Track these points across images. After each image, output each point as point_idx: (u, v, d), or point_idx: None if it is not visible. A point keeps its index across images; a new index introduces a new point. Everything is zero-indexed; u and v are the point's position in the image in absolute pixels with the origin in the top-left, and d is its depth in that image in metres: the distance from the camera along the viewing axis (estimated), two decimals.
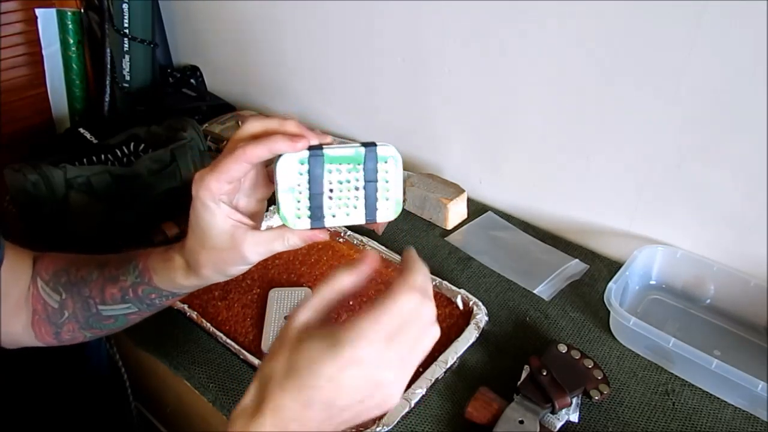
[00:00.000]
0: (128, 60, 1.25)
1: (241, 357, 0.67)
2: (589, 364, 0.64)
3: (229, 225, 0.47)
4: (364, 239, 0.85)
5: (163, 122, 1.02)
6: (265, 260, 0.83)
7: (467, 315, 0.73)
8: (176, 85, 1.37)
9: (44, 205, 0.87)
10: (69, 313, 0.56)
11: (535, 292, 0.80)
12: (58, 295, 0.56)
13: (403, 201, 0.51)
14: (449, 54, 0.93)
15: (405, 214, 0.96)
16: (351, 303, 0.75)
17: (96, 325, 0.57)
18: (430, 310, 0.39)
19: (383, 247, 0.84)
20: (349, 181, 0.46)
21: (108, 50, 1.23)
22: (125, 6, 1.20)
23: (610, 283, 0.72)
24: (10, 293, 0.55)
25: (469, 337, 0.69)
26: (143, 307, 0.56)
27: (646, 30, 0.71)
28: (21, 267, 0.57)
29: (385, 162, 0.47)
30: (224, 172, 0.44)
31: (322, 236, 0.48)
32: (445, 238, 0.91)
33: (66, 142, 1.07)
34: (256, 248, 0.48)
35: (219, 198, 0.45)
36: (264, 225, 0.58)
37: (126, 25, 1.22)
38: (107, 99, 1.27)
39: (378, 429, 0.58)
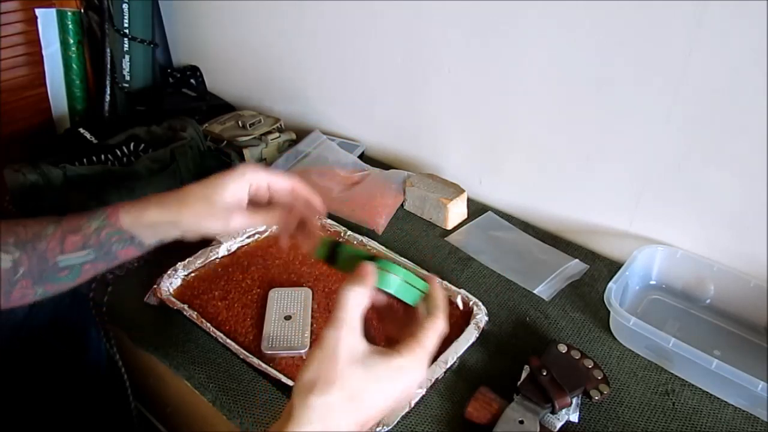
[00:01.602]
0: (128, 60, 1.26)
1: (241, 357, 0.67)
2: (589, 364, 0.64)
3: (237, 206, 0.58)
4: (364, 239, 0.85)
5: (163, 122, 1.02)
6: (265, 260, 0.84)
7: (467, 315, 0.73)
8: (176, 85, 1.37)
9: (44, 205, 0.87)
10: (24, 270, 0.57)
11: (535, 292, 0.80)
12: (9, 255, 0.57)
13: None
14: (449, 54, 0.93)
15: (405, 214, 0.96)
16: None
17: (50, 278, 0.58)
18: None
19: (383, 247, 0.84)
20: None
21: (108, 50, 1.23)
22: (125, 6, 1.20)
23: (610, 283, 0.72)
24: None
25: (469, 337, 0.69)
26: (101, 254, 0.58)
27: (646, 30, 0.71)
28: None
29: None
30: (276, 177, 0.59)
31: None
32: (445, 238, 0.91)
33: (66, 142, 1.07)
34: (242, 224, 0.59)
35: (251, 188, 0.58)
36: None
37: (126, 25, 1.22)
38: (107, 99, 1.27)
39: (378, 429, 0.58)
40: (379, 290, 0.47)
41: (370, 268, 0.45)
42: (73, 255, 0.58)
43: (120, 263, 0.61)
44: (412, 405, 0.61)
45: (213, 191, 0.57)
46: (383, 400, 0.42)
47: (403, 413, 0.60)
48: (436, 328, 0.46)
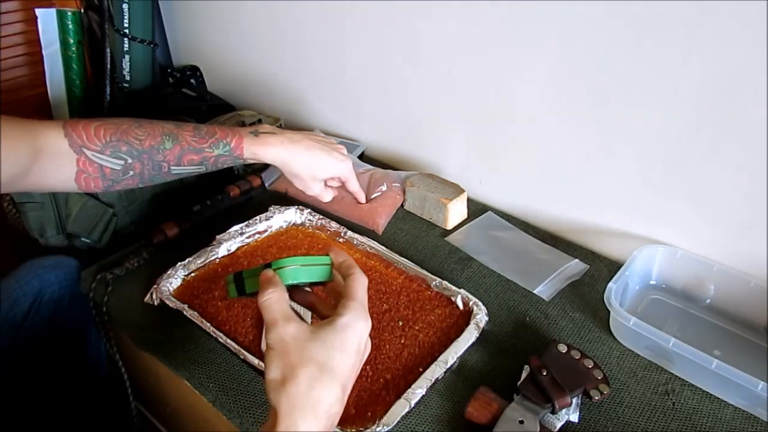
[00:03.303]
0: (128, 60, 1.25)
1: (241, 357, 0.67)
2: (589, 364, 0.64)
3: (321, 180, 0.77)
4: (364, 239, 0.85)
5: None
6: (265, 260, 0.84)
7: (467, 315, 0.73)
8: (176, 85, 1.37)
9: (44, 205, 0.87)
10: (135, 172, 0.66)
11: (535, 292, 0.80)
12: (121, 161, 0.64)
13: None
14: (449, 54, 0.93)
15: (405, 214, 0.97)
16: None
17: (158, 180, 0.69)
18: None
19: (383, 247, 0.84)
20: None
21: (108, 50, 1.23)
22: (125, 6, 1.20)
23: (610, 283, 0.72)
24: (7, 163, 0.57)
25: (469, 337, 0.69)
26: (210, 167, 0.71)
27: (646, 30, 0.71)
28: (21, 136, 0.58)
29: None
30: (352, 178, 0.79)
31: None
32: (445, 238, 0.91)
33: None
34: (317, 193, 0.77)
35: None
36: None
37: (126, 25, 1.22)
38: (107, 99, 1.27)
39: (378, 429, 0.58)
40: (292, 289, 0.52)
41: (267, 273, 0.50)
42: (188, 168, 0.69)
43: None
44: (413, 405, 0.61)
45: (316, 168, 0.74)
46: (348, 357, 0.46)
47: (404, 413, 0.60)
48: (357, 279, 0.50)
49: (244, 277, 0.54)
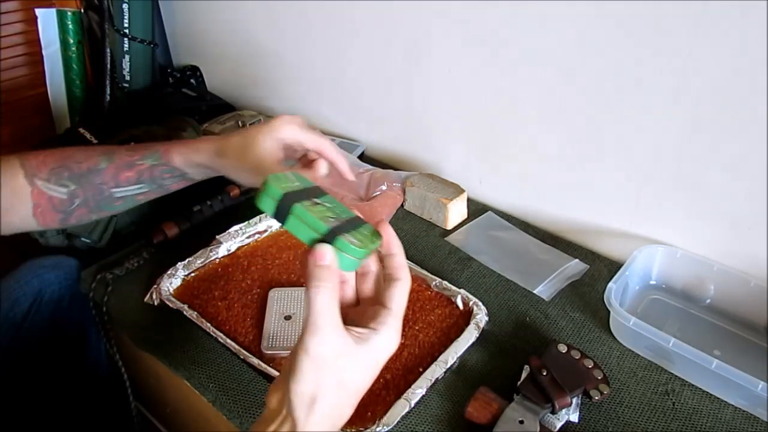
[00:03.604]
0: (128, 60, 1.26)
1: (241, 357, 0.67)
2: (589, 364, 0.64)
3: (270, 161, 0.60)
4: None
5: (163, 122, 1.02)
6: (265, 260, 0.84)
7: (467, 315, 0.73)
8: (176, 85, 1.37)
9: None
10: (79, 200, 0.64)
11: (535, 292, 0.80)
12: (65, 188, 0.63)
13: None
14: (450, 54, 0.93)
15: (405, 213, 0.97)
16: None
17: (106, 207, 0.66)
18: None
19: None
20: None
21: (108, 50, 1.23)
22: (125, 6, 1.20)
23: (610, 283, 0.72)
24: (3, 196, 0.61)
25: (469, 337, 0.69)
26: (154, 187, 0.66)
27: (646, 30, 0.71)
28: (6, 172, 0.62)
29: None
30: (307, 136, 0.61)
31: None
32: (445, 238, 0.91)
33: (66, 142, 1.07)
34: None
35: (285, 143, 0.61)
36: None
37: (126, 25, 1.22)
38: (107, 99, 1.27)
39: (378, 429, 0.58)
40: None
41: (326, 252, 0.40)
42: (128, 188, 0.65)
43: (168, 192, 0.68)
44: (413, 405, 0.61)
45: (247, 145, 0.60)
46: (374, 375, 0.44)
47: (404, 413, 0.60)
48: (403, 288, 0.44)
49: (293, 212, 0.41)
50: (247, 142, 0.60)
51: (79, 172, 0.63)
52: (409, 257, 0.81)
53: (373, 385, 0.64)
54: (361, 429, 0.58)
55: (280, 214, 0.42)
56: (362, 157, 1.13)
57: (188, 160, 0.64)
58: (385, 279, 0.45)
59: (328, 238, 0.41)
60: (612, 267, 0.83)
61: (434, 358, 0.66)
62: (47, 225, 0.65)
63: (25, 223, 0.64)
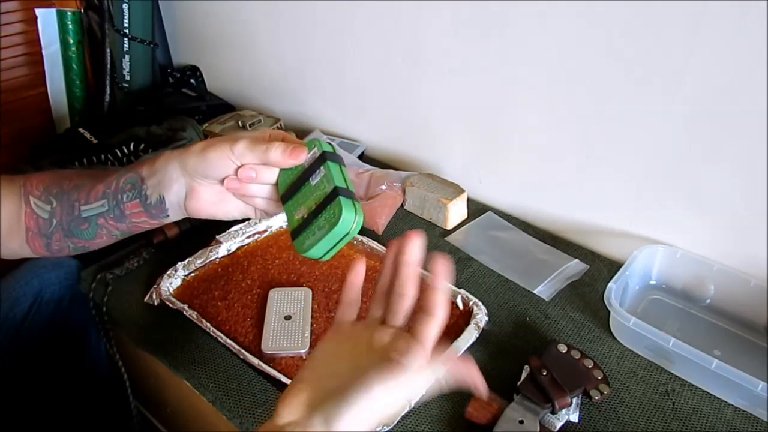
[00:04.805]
0: (128, 60, 1.26)
1: (241, 357, 0.67)
2: (589, 364, 0.64)
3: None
4: (364, 239, 0.85)
5: (163, 122, 1.03)
6: (265, 260, 0.84)
7: (467, 315, 0.73)
8: (176, 85, 1.37)
9: None
10: (57, 221, 0.59)
11: (535, 292, 0.80)
12: (48, 205, 0.59)
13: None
14: (449, 54, 0.93)
15: (405, 213, 0.97)
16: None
17: (75, 231, 0.59)
18: None
19: (383, 248, 0.84)
20: None
21: (108, 50, 1.23)
22: (125, 6, 1.20)
23: (610, 283, 0.72)
24: (3, 216, 0.59)
25: (469, 337, 0.69)
26: (112, 205, 0.57)
27: (646, 30, 0.71)
28: (9, 192, 0.59)
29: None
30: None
31: None
32: (445, 238, 0.91)
33: (66, 142, 1.07)
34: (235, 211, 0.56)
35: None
36: None
37: (126, 25, 1.22)
38: (107, 99, 1.27)
39: (378, 429, 0.58)
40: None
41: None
42: (94, 205, 0.58)
43: (129, 227, 0.59)
44: (413, 405, 0.61)
45: (209, 146, 0.52)
46: (393, 407, 0.45)
47: (403, 413, 0.60)
48: (438, 323, 0.46)
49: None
50: (209, 144, 0.53)
51: (65, 189, 0.59)
52: None
53: None
54: None
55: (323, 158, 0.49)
56: (362, 157, 1.13)
57: (151, 169, 0.55)
58: (421, 310, 0.47)
59: (343, 193, 0.47)
60: (612, 267, 0.83)
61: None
62: (38, 252, 0.61)
63: (23, 250, 0.61)
